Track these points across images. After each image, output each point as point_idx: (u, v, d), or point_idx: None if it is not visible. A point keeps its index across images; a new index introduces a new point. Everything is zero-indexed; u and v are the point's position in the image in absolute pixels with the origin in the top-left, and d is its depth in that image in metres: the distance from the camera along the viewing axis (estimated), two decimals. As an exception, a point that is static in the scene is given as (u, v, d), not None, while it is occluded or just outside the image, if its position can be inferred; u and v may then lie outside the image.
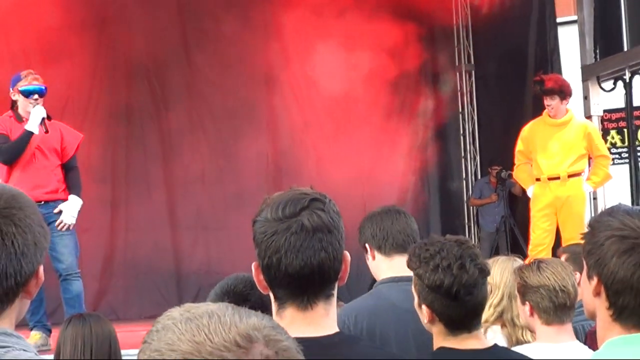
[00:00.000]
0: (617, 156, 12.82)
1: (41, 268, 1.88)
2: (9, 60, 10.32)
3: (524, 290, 3.44)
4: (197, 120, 11.63)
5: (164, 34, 11.42)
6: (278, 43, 11.82)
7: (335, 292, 2.20)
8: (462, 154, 12.85)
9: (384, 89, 11.84)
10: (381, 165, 12.18)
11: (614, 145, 12.96)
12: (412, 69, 12.59)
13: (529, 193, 8.92)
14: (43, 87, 7.19)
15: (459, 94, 12.89)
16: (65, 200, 7.27)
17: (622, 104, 10.71)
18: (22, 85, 7.12)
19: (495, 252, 10.81)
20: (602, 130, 10.66)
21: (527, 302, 3.42)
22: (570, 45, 11.19)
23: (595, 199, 10.11)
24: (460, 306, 2.77)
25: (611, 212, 2.20)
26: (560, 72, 10.94)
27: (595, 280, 2.16)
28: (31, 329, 7.13)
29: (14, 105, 7.20)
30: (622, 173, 10.78)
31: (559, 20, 11.46)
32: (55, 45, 10.43)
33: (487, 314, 4.22)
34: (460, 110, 12.88)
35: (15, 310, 1.86)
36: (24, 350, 1.80)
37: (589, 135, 8.70)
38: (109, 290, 10.97)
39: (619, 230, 2.12)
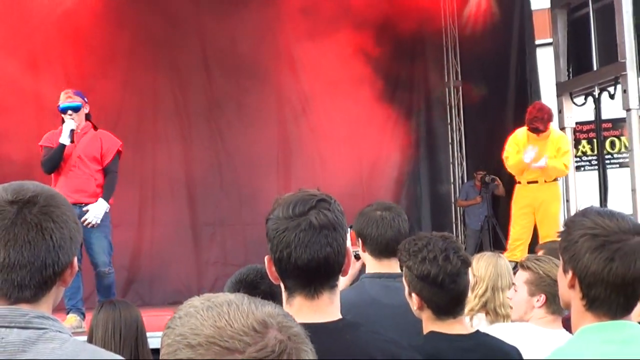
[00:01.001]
0: (587, 163, 12.82)
1: (75, 259, 1.87)
2: (64, 79, 10.46)
3: (543, 283, 3.38)
4: (215, 128, 11.63)
5: (186, 51, 11.44)
6: (286, 59, 11.85)
7: (339, 282, 2.20)
8: (451, 160, 12.85)
9: (382, 102, 11.85)
10: (379, 170, 12.22)
11: (584, 153, 12.96)
12: (407, 85, 12.63)
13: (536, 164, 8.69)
14: (75, 104, 7.25)
15: (448, 107, 12.90)
16: None
17: (592, 117, 10.73)
18: (59, 104, 7.29)
19: (479, 247, 10.83)
20: (574, 140, 10.67)
21: (542, 295, 3.38)
22: (546, 65, 11.19)
23: (568, 201, 10.11)
24: (446, 293, 2.76)
25: (584, 212, 2.20)
26: (537, 88, 10.95)
27: (570, 273, 2.15)
28: (67, 312, 7.18)
29: (63, 121, 7.33)
30: (592, 178, 10.78)
31: (536, 42, 11.46)
32: (98, 64, 10.55)
33: (472, 303, 4.21)
34: (449, 121, 12.88)
35: (52, 297, 1.86)
36: (59, 331, 1.80)
37: (560, 149, 8.70)
38: (137, 279, 10.97)
39: (591, 229, 2.12)
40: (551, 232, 8.23)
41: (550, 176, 8.74)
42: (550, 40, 11.00)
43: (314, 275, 2.11)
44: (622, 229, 2.10)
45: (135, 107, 10.95)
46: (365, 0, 11.75)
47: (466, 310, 4.24)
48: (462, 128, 12.82)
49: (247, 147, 11.47)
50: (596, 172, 10.52)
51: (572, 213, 9.34)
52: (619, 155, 12.98)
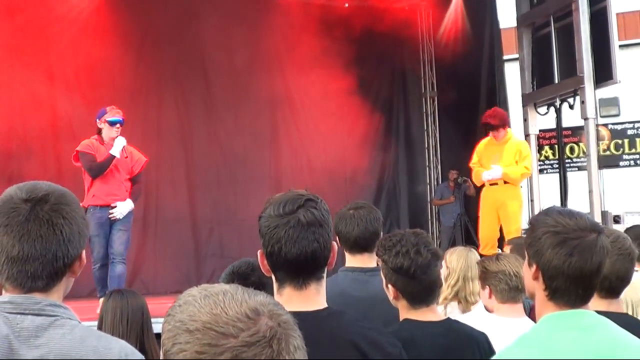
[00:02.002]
0: (549, 167, 12.85)
1: (84, 252, 1.87)
2: (77, 88, 10.48)
3: (485, 277, 3.40)
4: (214, 136, 11.61)
5: (187, 62, 11.42)
6: (278, 71, 11.86)
7: (324, 274, 2.19)
8: (427, 164, 12.87)
9: (365, 111, 11.87)
10: (361, 172, 12.22)
11: (547, 158, 12.98)
12: (387, 95, 12.66)
13: (489, 174, 8.72)
14: (123, 119, 7.69)
15: (425, 115, 12.94)
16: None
17: (553, 125, 10.74)
18: (108, 117, 7.62)
19: (452, 243, 10.84)
20: (537, 146, 10.70)
21: (487, 286, 3.39)
22: (513, 78, 11.22)
23: (532, 201, 10.14)
24: (418, 283, 2.76)
25: (547, 212, 2.20)
26: (505, 99, 10.97)
27: (534, 267, 2.15)
28: (100, 297, 7.30)
29: (99, 131, 7.66)
30: (553, 180, 10.81)
31: (504, 57, 11.49)
32: (104, 74, 10.49)
33: (446, 292, 4.23)
34: (425, 128, 12.92)
35: (63, 286, 1.85)
36: (69, 318, 1.80)
37: (520, 152, 8.69)
38: (142, 270, 10.93)
39: (553, 227, 2.12)
40: (511, 228, 8.35)
41: (515, 181, 8.70)
42: (516, 55, 11.03)
43: (302, 268, 2.11)
44: (581, 226, 2.10)
45: (140, 115, 10.89)
46: (349, 18, 11.79)
47: (441, 299, 4.25)
48: (438, 134, 12.85)
49: (242, 150, 11.46)
50: (557, 175, 10.55)
51: (536, 212, 9.36)
52: (578, 160, 13.02)
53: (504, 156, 8.64)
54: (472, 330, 2.89)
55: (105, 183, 7.55)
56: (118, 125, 7.60)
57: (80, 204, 1.87)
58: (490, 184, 8.71)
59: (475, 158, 8.94)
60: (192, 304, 1.22)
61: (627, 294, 3.12)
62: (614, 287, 2.76)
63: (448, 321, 2.88)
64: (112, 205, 7.53)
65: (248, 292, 1.24)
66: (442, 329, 2.79)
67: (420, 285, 2.77)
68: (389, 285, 2.82)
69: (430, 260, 2.77)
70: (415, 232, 2.88)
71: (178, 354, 1.18)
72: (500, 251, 6.54)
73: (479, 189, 9.34)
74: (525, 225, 9.84)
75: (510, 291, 3.29)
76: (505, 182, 8.62)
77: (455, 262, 4.31)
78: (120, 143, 7.57)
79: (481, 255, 4.90)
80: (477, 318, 3.46)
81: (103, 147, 7.57)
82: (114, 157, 7.51)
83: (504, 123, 8.73)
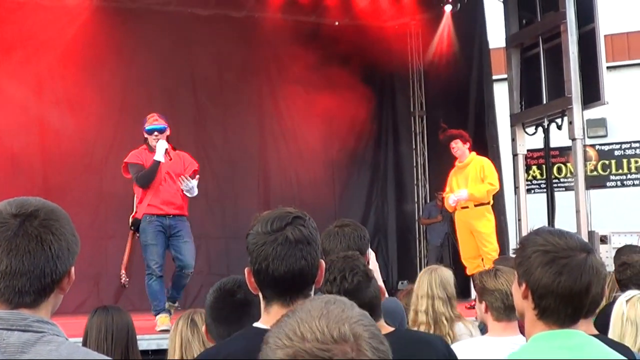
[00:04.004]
0: (537, 187, 12.88)
1: (72, 269, 1.85)
2: (66, 101, 10.42)
3: (482, 292, 3.38)
4: (203, 152, 11.57)
5: (177, 78, 11.42)
6: (269, 91, 11.90)
7: (312, 292, 2.18)
8: (415, 182, 12.89)
9: (354, 129, 11.90)
10: (351, 190, 12.23)
11: (534, 178, 13.02)
12: (377, 114, 12.69)
13: (455, 196, 8.75)
14: (161, 126, 7.42)
15: (413, 134, 12.98)
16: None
17: (541, 145, 10.79)
18: (146, 125, 7.46)
19: (440, 261, 10.82)
20: (525, 165, 10.72)
21: (483, 302, 3.37)
22: (502, 98, 11.28)
23: (520, 220, 10.16)
24: None
25: (537, 231, 2.21)
26: (494, 118, 11.02)
27: (524, 286, 2.15)
28: (156, 314, 7.40)
29: (146, 141, 7.48)
30: (541, 200, 10.84)
31: (493, 77, 11.55)
32: (94, 89, 10.47)
33: (421, 318, 4.23)
34: (414, 147, 12.95)
35: (51, 303, 1.84)
36: (56, 335, 1.78)
37: (482, 168, 8.72)
38: (128, 287, 10.83)
39: (543, 246, 2.12)
40: (487, 249, 8.49)
41: (482, 199, 8.70)
42: (505, 75, 11.09)
43: (290, 285, 2.09)
44: (570, 246, 2.10)
45: (129, 129, 10.86)
46: (339, 36, 11.84)
47: (418, 326, 4.22)
48: (426, 153, 12.88)
49: (231, 166, 11.44)
50: (545, 195, 10.58)
51: (524, 231, 9.41)
52: (565, 180, 13.06)
53: (470, 178, 8.70)
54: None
55: (159, 191, 7.35)
56: (156, 132, 7.37)
57: (71, 221, 1.86)
58: (462, 207, 8.76)
59: (447, 188, 9.01)
60: (314, 300, 1.27)
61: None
62: None
63: (397, 331, 2.83)
64: (170, 213, 7.37)
65: (361, 320, 1.24)
66: (391, 340, 2.75)
67: None
68: None
69: (358, 284, 2.74)
70: (346, 256, 2.85)
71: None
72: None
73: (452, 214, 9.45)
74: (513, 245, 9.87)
75: (505, 310, 3.27)
76: (475, 205, 8.65)
77: (417, 285, 4.35)
78: (162, 146, 7.34)
79: (467, 277, 4.90)
80: (468, 343, 3.44)
81: (152, 155, 7.38)
82: (159, 162, 7.29)
83: (463, 136, 8.85)
